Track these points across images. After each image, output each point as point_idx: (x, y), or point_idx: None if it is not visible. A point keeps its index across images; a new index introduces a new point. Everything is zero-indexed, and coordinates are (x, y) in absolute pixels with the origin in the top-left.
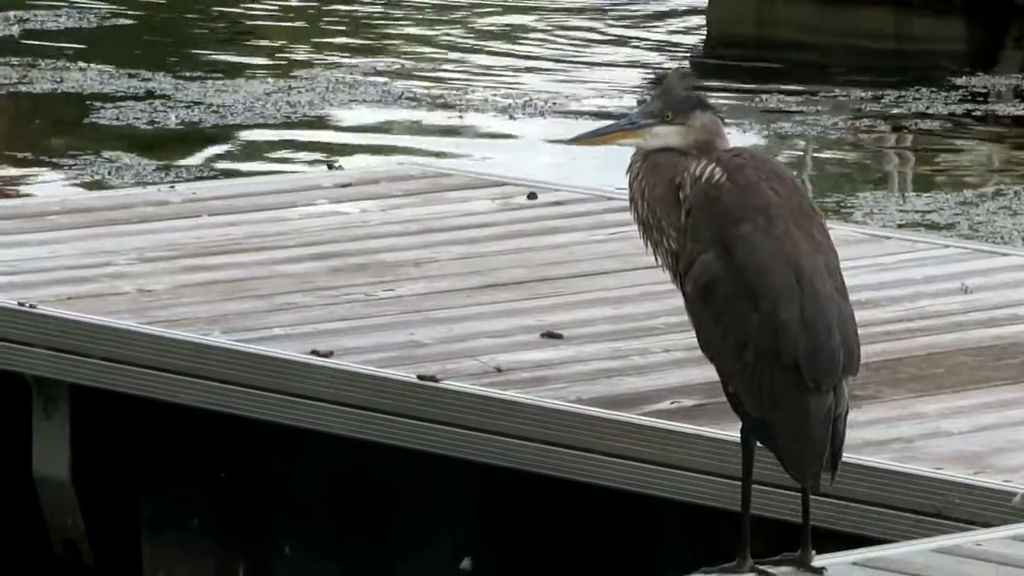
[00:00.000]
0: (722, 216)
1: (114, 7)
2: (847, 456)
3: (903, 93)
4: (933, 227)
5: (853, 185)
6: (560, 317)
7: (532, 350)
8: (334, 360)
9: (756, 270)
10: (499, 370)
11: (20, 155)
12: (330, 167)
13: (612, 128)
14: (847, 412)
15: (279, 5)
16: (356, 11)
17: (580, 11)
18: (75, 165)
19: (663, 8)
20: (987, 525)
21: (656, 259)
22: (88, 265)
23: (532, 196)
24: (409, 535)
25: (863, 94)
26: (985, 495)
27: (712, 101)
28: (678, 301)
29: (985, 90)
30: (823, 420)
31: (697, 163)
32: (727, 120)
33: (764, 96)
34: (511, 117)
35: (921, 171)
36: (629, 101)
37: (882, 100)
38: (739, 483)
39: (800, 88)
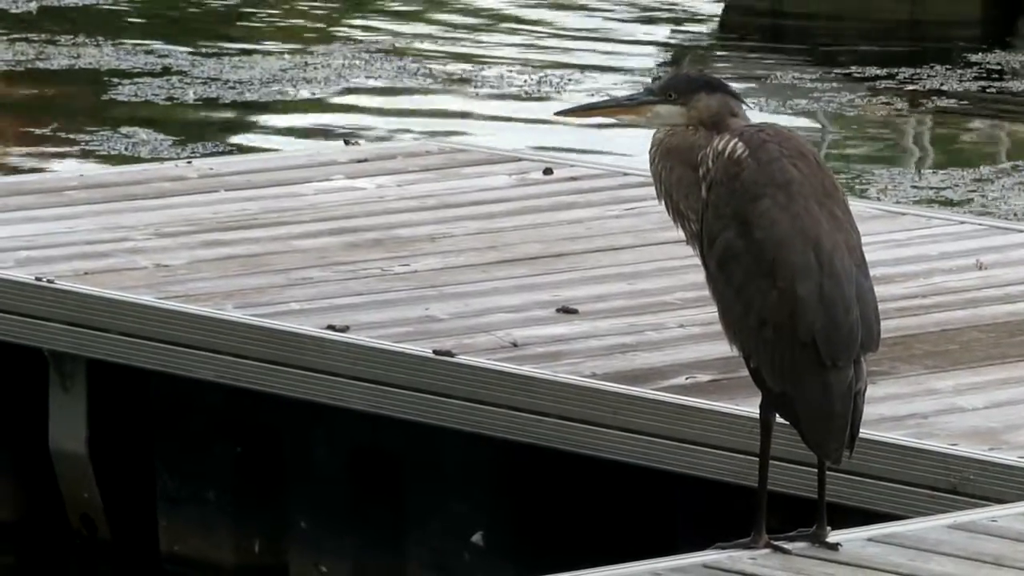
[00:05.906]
0: (742, 192)
1: None
2: (862, 432)
3: (918, 70)
4: (948, 203)
5: (868, 161)
6: (575, 292)
7: (547, 325)
8: (350, 335)
9: (774, 246)
10: (515, 345)
11: (38, 131)
12: (346, 143)
13: (608, 102)
14: (866, 388)
15: None
16: None
17: None
18: (92, 141)
19: None
20: (1002, 501)
21: (683, 235)
22: (105, 240)
23: (548, 172)
24: (424, 510)
25: (879, 71)
26: (1000, 471)
27: (728, 80)
28: (693, 276)
29: (1000, 67)
30: (843, 395)
31: (720, 139)
32: (745, 98)
33: (779, 72)
34: (526, 93)
35: (936, 148)
36: (645, 79)
37: (897, 77)
38: (754, 458)
39: (816, 64)
